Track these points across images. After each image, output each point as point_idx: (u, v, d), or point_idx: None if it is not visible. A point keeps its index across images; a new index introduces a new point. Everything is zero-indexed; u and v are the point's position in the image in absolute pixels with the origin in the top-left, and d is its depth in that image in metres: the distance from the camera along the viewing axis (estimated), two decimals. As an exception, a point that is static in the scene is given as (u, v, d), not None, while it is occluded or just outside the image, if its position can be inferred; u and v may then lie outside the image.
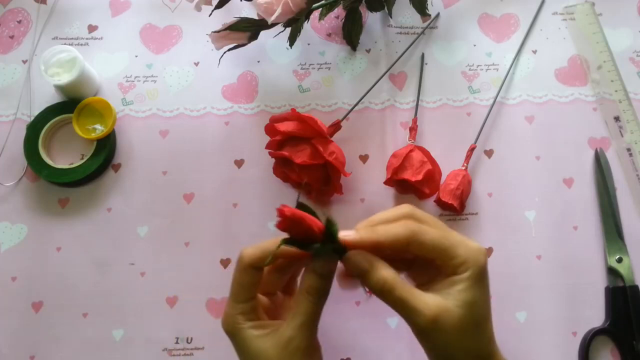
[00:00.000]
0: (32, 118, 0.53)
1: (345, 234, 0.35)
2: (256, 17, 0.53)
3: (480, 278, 0.36)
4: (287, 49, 0.54)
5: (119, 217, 0.52)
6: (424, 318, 0.34)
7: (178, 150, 0.54)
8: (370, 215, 0.38)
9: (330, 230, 0.35)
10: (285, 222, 0.33)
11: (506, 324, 0.49)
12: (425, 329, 0.34)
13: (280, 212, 0.33)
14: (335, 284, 0.38)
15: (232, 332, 0.38)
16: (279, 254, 0.37)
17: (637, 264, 0.50)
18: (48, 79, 0.51)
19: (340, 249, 0.35)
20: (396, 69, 0.57)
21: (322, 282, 0.36)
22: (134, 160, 0.53)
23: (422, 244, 0.35)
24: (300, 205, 0.35)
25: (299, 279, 0.39)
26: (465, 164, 0.52)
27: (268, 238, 0.50)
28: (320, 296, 0.37)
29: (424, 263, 0.38)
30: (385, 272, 0.35)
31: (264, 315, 0.39)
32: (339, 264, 0.37)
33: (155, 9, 0.59)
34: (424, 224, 0.37)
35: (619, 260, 0.50)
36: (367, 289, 0.36)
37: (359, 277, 0.36)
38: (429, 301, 0.34)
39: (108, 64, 0.57)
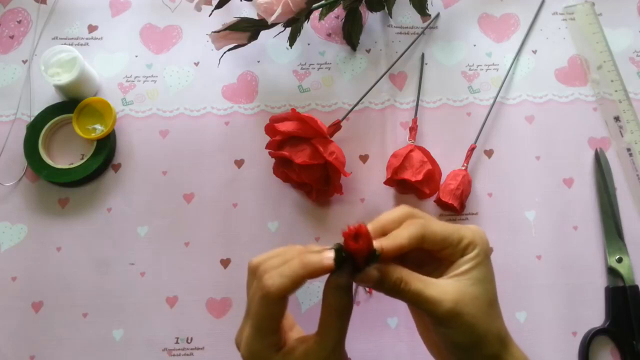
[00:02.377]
0: (32, 118, 0.53)
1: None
2: (256, 17, 0.53)
3: (487, 255, 0.36)
4: (287, 49, 0.54)
5: (119, 217, 0.52)
6: (444, 306, 0.34)
7: (178, 150, 0.54)
8: (370, 215, 0.38)
9: (373, 255, 0.34)
10: (359, 242, 0.33)
11: (506, 324, 0.48)
12: (447, 316, 0.34)
13: (358, 230, 0.33)
14: None
15: None
16: (306, 275, 0.34)
17: (637, 264, 0.50)
18: (48, 79, 0.51)
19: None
20: (396, 69, 0.57)
21: (349, 299, 0.35)
22: (134, 160, 0.53)
23: (434, 235, 0.35)
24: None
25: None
26: (465, 164, 0.52)
27: (268, 238, 0.51)
28: (348, 314, 0.36)
29: (420, 261, 0.38)
30: (397, 272, 0.35)
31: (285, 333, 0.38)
32: None
33: (155, 9, 0.59)
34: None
35: (619, 260, 0.50)
36: (368, 290, 0.35)
37: (374, 287, 0.35)
38: (446, 288, 0.34)
39: (108, 64, 0.57)
